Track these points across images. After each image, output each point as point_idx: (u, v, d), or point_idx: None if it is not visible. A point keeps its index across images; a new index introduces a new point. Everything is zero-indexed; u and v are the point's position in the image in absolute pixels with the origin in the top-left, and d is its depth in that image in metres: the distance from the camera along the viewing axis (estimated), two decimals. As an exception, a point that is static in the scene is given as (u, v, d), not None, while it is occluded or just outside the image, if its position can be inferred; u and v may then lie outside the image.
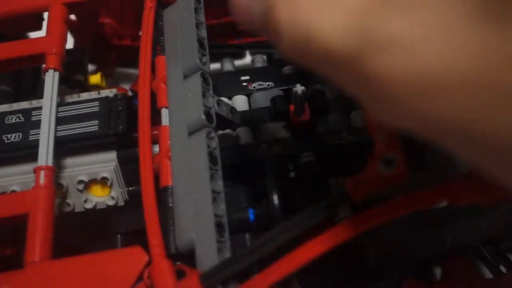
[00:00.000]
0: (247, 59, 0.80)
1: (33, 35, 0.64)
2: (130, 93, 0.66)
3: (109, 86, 0.68)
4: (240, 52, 0.79)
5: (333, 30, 0.22)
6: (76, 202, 0.52)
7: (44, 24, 0.60)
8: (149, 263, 0.42)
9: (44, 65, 0.52)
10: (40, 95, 0.52)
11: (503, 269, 0.53)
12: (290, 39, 0.25)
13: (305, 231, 0.37)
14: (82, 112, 0.51)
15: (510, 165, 0.21)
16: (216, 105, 0.51)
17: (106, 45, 0.77)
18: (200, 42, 0.53)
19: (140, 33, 0.74)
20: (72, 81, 0.66)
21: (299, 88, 0.53)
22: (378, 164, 0.34)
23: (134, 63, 0.81)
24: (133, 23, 0.75)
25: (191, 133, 0.48)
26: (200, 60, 0.52)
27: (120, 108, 0.52)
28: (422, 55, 0.20)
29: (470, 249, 0.57)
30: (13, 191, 0.49)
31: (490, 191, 0.33)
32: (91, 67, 0.78)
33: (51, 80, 0.51)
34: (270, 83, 0.62)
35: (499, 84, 0.19)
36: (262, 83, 0.63)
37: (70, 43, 0.72)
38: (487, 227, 0.47)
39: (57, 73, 0.52)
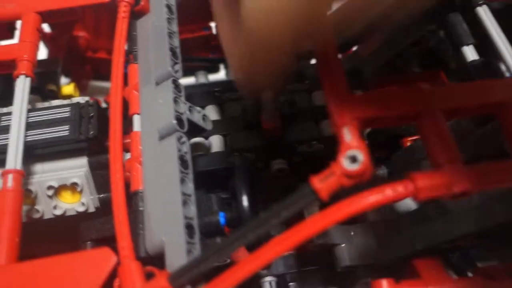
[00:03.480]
0: (222, 73, 0.82)
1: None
2: (104, 105, 0.66)
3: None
4: (214, 66, 0.80)
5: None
6: (46, 208, 0.52)
7: (17, 33, 0.61)
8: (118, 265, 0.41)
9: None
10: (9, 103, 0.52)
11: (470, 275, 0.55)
12: None
13: (272, 227, 0.37)
14: (52, 117, 0.51)
15: None
16: (188, 111, 0.51)
17: (80, 58, 0.77)
18: (173, 51, 0.54)
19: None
20: (45, 91, 0.65)
21: (267, 93, 0.54)
22: (343, 161, 0.35)
23: (109, 77, 0.82)
24: (108, 36, 0.75)
25: (162, 137, 0.49)
26: (172, 67, 0.53)
27: (91, 114, 0.52)
28: None
29: (438, 254, 0.58)
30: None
31: (451, 186, 0.35)
32: (65, 80, 0.79)
33: (21, 85, 0.51)
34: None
35: None
36: (234, 93, 0.64)
37: (44, 55, 0.73)
38: (453, 229, 0.48)
39: (28, 79, 0.52)
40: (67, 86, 0.68)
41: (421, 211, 0.53)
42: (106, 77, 0.84)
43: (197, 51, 0.79)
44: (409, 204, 0.58)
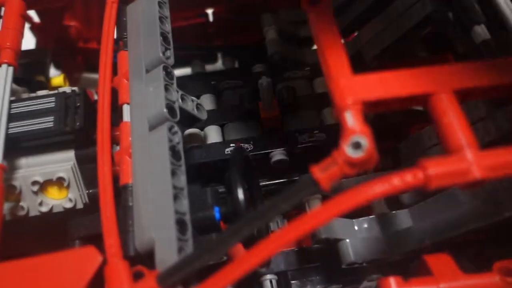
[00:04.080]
0: (220, 63, 0.78)
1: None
2: (96, 97, 0.63)
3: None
4: (211, 55, 0.77)
5: None
6: (31, 205, 0.49)
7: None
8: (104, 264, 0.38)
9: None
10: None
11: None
12: None
13: (270, 221, 0.34)
14: (36, 108, 0.48)
15: None
16: (180, 100, 0.48)
17: (71, 49, 0.74)
18: (164, 36, 0.51)
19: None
20: (33, 82, 0.63)
21: (264, 80, 0.51)
22: (345, 147, 0.32)
23: (101, 67, 0.79)
24: (100, 26, 0.73)
25: (152, 127, 0.45)
26: (163, 53, 0.49)
27: (78, 104, 0.49)
28: None
29: (448, 250, 0.55)
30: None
31: (466, 173, 0.31)
32: (56, 73, 0.76)
33: (4, 74, 0.48)
34: (239, 82, 0.60)
35: None
36: (230, 81, 0.61)
37: (31, 44, 0.70)
38: (464, 221, 0.45)
39: (11, 68, 0.49)
40: (56, 78, 0.65)
41: (429, 203, 0.50)
42: (98, 68, 0.81)
43: (193, 40, 0.75)
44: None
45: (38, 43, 0.68)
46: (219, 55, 0.77)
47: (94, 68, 0.79)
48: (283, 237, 0.33)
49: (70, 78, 0.70)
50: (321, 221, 0.33)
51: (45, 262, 0.38)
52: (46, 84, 0.64)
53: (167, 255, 0.39)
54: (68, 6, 0.68)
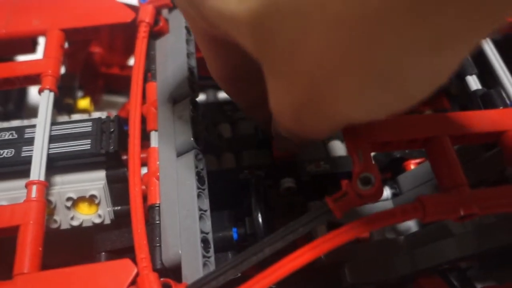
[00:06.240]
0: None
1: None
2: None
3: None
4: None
5: None
6: (63, 219, 0.53)
7: (39, 48, 0.64)
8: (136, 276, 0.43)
9: (40, 86, 0.55)
10: (27, 115, 0.54)
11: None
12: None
13: (287, 245, 0.39)
14: (75, 131, 0.53)
15: None
16: (205, 130, 0.54)
17: (94, 72, 0.79)
18: (191, 71, 0.57)
19: (129, 63, 0.78)
20: (61, 104, 0.68)
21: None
22: (356, 182, 0.38)
23: (120, 91, 0.84)
24: (122, 53, 0.78)
25: (179, 154, 0.51)
26: (191, 87, 0.55)
27: (112, 129, 0.54)
28: None
29: (437, 274, 0.60)
30: (0, 206, 0.50)
31: (458, 209, 0.37)
32: (79, 93, 0.81)
33: (46, 99, 0.53)
34: (253, 113, 0.66)
35: None
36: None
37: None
38: (454, 250, 0.50)
39: (52, 94, 0.54)
40: (82, 100, 0.70)
41: (423, 231, 0.55)
42: (116, 91, 0.87)
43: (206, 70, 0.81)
44: (410, 224, 0.61)
45: (67, 68, 0.73)
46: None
47: (114, 91, 0.85)
48: (298, 258, 0.39)
49: (92, 100, 0.75)
50: (334, 244, 0.38)
51: (85, 271, 0.43)
52: (73, 106, 0.69)
53: (193, 270, 0.44)
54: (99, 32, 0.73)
